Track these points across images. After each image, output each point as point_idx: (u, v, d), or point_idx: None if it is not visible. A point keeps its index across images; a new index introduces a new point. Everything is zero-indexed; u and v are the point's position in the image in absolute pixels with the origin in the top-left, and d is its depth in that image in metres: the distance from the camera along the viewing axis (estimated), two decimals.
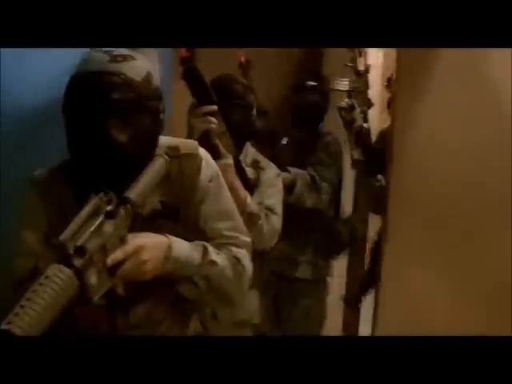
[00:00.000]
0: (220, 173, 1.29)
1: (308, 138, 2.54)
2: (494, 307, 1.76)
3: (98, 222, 1.01)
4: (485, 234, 1.77)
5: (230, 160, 1.64)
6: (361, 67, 3.34)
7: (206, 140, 1.59)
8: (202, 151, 1.26)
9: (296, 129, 2.57)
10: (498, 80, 1.73)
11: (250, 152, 1.88)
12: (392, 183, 2.02)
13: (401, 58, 2.01)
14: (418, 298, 1.94)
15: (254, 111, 1.90)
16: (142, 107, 1.09)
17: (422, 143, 1.88)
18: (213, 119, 1.61)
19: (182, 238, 1.17)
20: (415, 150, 1.90)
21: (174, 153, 1.19)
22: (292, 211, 2.07)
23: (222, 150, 1.64)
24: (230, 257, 1.22)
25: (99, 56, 1.08)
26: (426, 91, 1.87)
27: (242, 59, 2.08)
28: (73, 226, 0.98)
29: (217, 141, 1.63)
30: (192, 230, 1.21)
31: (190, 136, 1.62)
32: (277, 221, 1.78)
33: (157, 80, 1.15)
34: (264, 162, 1.89)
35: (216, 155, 1.51)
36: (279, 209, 1.81)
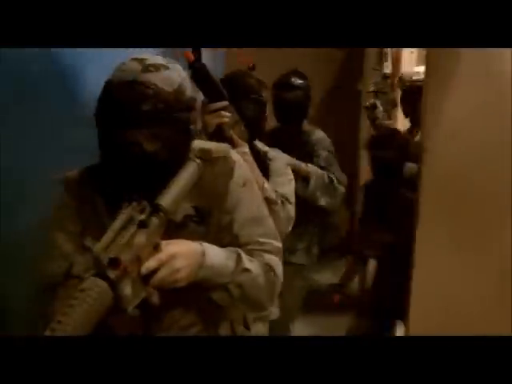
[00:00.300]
0: (253, 178, 1.28)
1: (291, 135, 2.59)
2: None
3: (131, 233, 1.00)
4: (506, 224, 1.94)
5: (246, 148, 1.67)
6: (386, 70, 3.46)
7: (220, 133, 1.63)
8: (235, 155, 1.26)
9: (280, 126, 2.63)
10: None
11: (256, 143, 1.90)
12: (423, 175, 2.09)
13: (429, 59, 2.10)
14: (448, 284, 2.07)
15: (267, 107, 1.92)
16: (173, 118, 1.08)
17: (448, 138, 2.01)
18: (225, 113, 1.63)
19: (214, 242, 1.16)
20: (442, 145, 2.03)
21: (206, 156, 1.19)
22: (301, 203, 2.08)
23: (237, 139, 1.67)
24: (263, 264, 1.21)
25: (133, 65, 1.08)
26: (452, 90, 2.00)
27: (250, 65, 2.09)
28: (106, 237, 0.98)
29: (231, 132, 1.66)
30: (224, 235, 1.20)
31: (204, 132, 1.65)
32: (291, 208, 1.83)
33: (189, 90, 1.14)
34: (271, 152, 1.92)
35: (231, 145, 1.51)
36: (292, 197, 1.85)
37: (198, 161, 1.17)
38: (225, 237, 1.20)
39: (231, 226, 1.21)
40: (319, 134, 2.61)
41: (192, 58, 1.57)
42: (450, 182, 2.05)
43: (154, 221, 1.06)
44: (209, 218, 1.19)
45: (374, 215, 2.57)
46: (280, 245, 1.28)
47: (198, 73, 1.59)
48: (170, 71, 1.10)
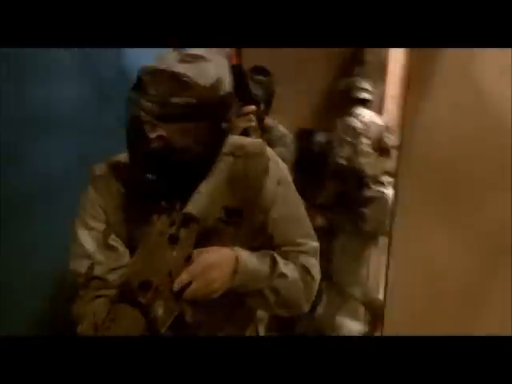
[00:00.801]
0: (289, 175, 1.22)
1: None
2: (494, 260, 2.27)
3: (161, 250, 0.97)
4: (484, 199, 2.24)
5: None
6: None
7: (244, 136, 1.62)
8: (270, 151, 1.20)
9: None
10: (488, 79, 2.17)
11: None
12: (401, 161, 2.40)
13: (412, 58, 2.32)
14: (427, 258, 2.37)
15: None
16: (206, 114, 1.02)
17: (428, 128, 2.30)
18: (253, 117, 1.63)
19: (247, 243, 1.12)
20: (420, 140, 2.31)
21: (239, 152, 1.15)
22: None
23: None
24: (299, 266, 1.17)
25: (171, 54, 1.03)
26: (432, 87, 2.26)
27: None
28: (136, 259, 0.95)
29: (254, 137, 1.67)
30: (258, 236, 1.15)
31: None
32: None
33: (228, 86, 1.07)
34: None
35: None
36: None
37: (231, 158, 1.12)
38: (258, 237, 1.15)
39: (266, 226, 1.16)
40: (283, 130, 2.59)
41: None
42: (427, 173, 2.32)
43: (185, 233, 1.01)
44: (241, 218, 1.13)
45: None
46: (316, 244, 1.23)
47: (234, 73, 1.58)
48: (208, 64, 1.04)
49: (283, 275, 1.13)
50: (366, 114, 3.22)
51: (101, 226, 1.13)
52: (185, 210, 1.04)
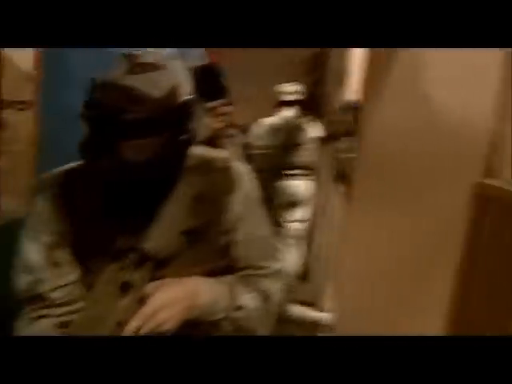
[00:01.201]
0: (257, 190, 1.14)
1: None
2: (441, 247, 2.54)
3: (110, 301, 0.91)
4: (436, 190, 2.50)
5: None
6: None
7: (215, 138, 1.60)
8: (240, 166, 1.12)
9: None
10: (435, 79, 2.47)
11: None
12: (360, 153, 2.63)
13: (368, 60, 2.59)
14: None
15: None
16: (162, 127, 0.92)
17: (381, 128, 2.57)
18: (227, 118, 1.61)
19: (207, 265, 1.06)
20: (375, 136, 2.57)
21: (204, 167, 1.06)
22: None
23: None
24: (260, 293, 1.10)
25: (119, 63, 0.95)
26: (386, 88, 2.55)
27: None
28: (84, 313, 0.90)
29: (224, 141, 1.66)
30: (221, 258, 1.09)
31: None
32: None
33: (186, 94, 0.97)
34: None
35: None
36: None
37: (195, 174, 1.03)
38: (221, 259, 1.09)
39: (229, 248, 1.09)
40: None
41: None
42: (380, 165, 2.56)
43: (140, 275, 0.94)
44: (204, 241, 1.05)
45: None
46: (280, 265, 1.16)
47: (209, 72, 1.53)
48: (160, 73, 0.94)
49: (242, 307, 1.07)
50: (288, 114, 3.45)
51: (48, 239, 1.03)
52: (140, 247, 0.96)
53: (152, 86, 0.91)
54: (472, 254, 2.60)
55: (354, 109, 3.35)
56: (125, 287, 0.92)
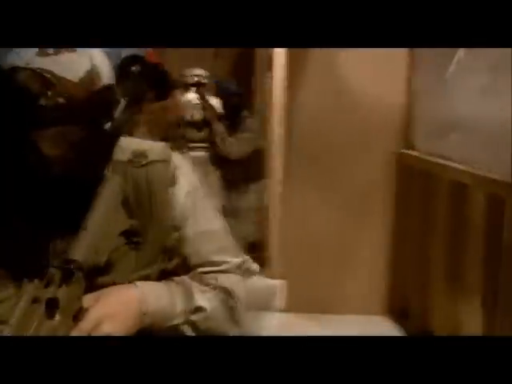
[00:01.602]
0: (199, 182, 1.07)
1: None
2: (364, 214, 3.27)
3: (36, 321, 0.79)
4: (361, 163, 3.22)
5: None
6: None
7: (168, 133, 1.59)
8: (178, 158, 1.03)
9: None
10: (350, 68, 3.12)
11: None
12: (289, 137, 3.28)
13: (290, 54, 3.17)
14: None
15: None
16: (80, 115, 0.84)
17: (307, 110, 3.25)
18: (181, 111, 1.62)
19: (155, 267, 0.97)
20: (303, 114, 3.23)
21: (139, 160, 0.97)
22: None
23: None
24: (220, 290, 1.03)
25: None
26: (308, 77, 3.21)
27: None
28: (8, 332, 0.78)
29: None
30: (171, 258, 1.01)
31: (149, 132, 1.57)
32: None
33: (106, 78, 0.90)
34: None
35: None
36: None
37: (130, 167, 0.94)
38: (171, 259, 1.01)
39: (178, 246, 1.01)
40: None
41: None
42: (307, 145, 3.19)
43: (68, 290, 0.83)
44: (147, 241, 0.96)
45: None
46: (239, 260, 1.08)
47: (153, 72, 1.52)
48: (75, 54, 0.87)
49: (200, 309, 0.99)
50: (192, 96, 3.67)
51: None
52: (66, 257, 0.85)
53: (67, 68, 0.85)
54: (397, 215, 3.16)
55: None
56: (52, 304, 0.81)
